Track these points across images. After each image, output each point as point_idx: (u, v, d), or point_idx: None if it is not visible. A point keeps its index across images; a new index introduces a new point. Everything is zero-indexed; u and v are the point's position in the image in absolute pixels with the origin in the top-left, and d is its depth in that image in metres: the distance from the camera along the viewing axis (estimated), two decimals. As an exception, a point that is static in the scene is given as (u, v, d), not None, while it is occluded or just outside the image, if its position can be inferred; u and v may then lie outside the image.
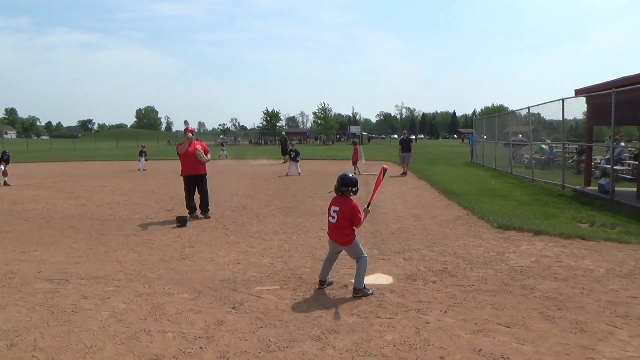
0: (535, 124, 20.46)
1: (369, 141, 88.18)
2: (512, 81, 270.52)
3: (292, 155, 21.33)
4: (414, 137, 79.99)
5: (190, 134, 10.45)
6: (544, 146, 21.68)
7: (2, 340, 4.13)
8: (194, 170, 10.31)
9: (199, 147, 10.32)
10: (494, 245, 7.44)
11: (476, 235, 8.22)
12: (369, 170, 22.84)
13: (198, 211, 10.32)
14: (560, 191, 13.78)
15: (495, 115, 25.64)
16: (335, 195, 5.43)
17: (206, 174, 10.57)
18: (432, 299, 5.09)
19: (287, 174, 20.51)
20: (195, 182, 10.36)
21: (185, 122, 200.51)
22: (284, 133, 38.11)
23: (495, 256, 6.80)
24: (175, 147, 10.61)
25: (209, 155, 10.55)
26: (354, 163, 21.40)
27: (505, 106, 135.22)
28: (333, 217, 5.32)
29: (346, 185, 5.30)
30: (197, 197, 10.46)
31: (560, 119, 14.63)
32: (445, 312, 4.72)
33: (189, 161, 10.27)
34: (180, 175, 10.49)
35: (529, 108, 17.98)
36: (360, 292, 5.18)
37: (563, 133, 15.27)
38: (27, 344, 4.06)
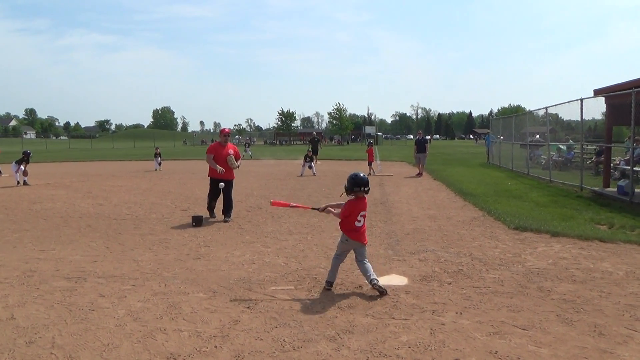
0: (553, 124, 20.22)
1: (382, 141, 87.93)
2: (529, 81, 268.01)
3: (307, 160, 21.27)
4: (429, 137, 79.85)
5: (226, 137, 10.24)
6: (561, 147, 21.42)
7: (21, 338, 4.19)
8: (223, 174, 10.03)
9: (231, 151, 10.04)
10: (510, 247, 7.36)
11: (492, 236, 8.14)
12: (384, 171, 22.79)
13: (219, 216, 10.18)
14: (578, 192, 13.59)
15: (512, 115, 25.41)
16: (347, 196, 5.41)
17: (233, 179, 10.34)
18: (447, 301, 5.05)
19: (301, 175, 20.54)
20: (220, 185, 10.10)
21: (201, 123, 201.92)
22: (315, 133, 37.31)
23: (511, 258, 6.73)
24: (207, 148, 10.35)
25: (239, 161, 10.28)
26: (370, 164, 21.36)
27: (523, 106, 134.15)
28: (360, 222, 5.33)
29: (363, 184, 5.29)
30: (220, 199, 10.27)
31: (579, 119, 14.44)
32: (461, 313, 4.68)
33: (218, 164, 9.98)
34: (208, 176, 10.29)
35: (546, 108, 17.78)
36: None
37: (582, 134, 15.08)
38: (46, 341, 4.12)
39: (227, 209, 10.12)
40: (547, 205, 11.34)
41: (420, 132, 23.12)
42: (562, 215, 9.73)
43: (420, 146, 20.63)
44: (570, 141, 21.44)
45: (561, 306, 4.85)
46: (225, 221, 9.89)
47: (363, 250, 5.41)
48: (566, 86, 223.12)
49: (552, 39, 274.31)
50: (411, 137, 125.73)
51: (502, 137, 25.90)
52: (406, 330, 4.31)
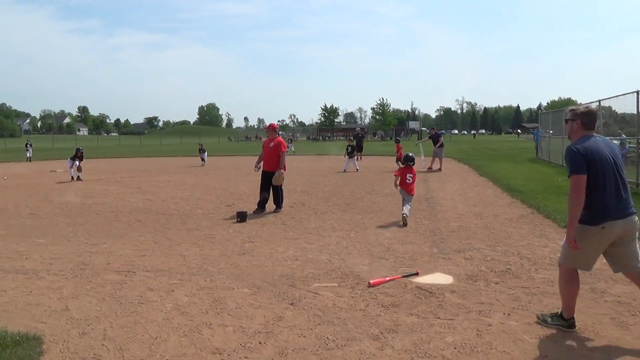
0: (606, 118, 19.38)
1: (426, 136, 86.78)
2: (580, 73, 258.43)
3: (348, 151, 21.26)
4: (447, 131, 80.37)
5: (272, 131, 10.98)
6: (615, 141, 20.50)
7: (74, 329, 4.35)
8: (269, 167, 10.64)
9: (272, 144, 10.61)
10: (561, 246, 7.09)
11: (542, 234, 7.89)
12: (429, 166, 22.42)
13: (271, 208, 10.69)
14: (634, 189, 13.00)
15: (563, 109, 24.47)
16: (401, 167, 9.45)
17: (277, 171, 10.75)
18: (494, 301, 4.92)
19: (344, 170, 20.49)
20: (268, 178, 10.60)
21: (246, 119, 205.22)
22: (358, 129, 36.34)
23: (562, 257, 6.49)
24: (262, 144, 11.16)
25: (283, 158, 10.61)
26: (398, 160, 21.04)
27: (574, 99, 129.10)
28: (409, 180, 9.21)
29: (410, 160, 9.39)
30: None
31: (635, 112, 13.81)
32: (509, 314, 4.55)
33: (266, 157, 10.72)
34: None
35: (599, 101, 17.07)
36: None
37: (638, 127, 14.38)
38: (98, 333, 4.26)
39: (276, 201, 10.73)
40: (600, 202, 10.86)
41: (433, 128, 25.02)
42: (616, 213, 9.30)
43: (433, 141, 21.60)
44: (623, 135, 20.50)
45: (616, 309, 4.64)
46: (275, 212, 10.46)
47: (411, 198, 9.23)
48: (620, 78, 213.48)
49: (605, 28, 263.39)
50: (456, 132, 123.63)
51: (551, 132, 25.05)
52: (452, 330, 4.22)
